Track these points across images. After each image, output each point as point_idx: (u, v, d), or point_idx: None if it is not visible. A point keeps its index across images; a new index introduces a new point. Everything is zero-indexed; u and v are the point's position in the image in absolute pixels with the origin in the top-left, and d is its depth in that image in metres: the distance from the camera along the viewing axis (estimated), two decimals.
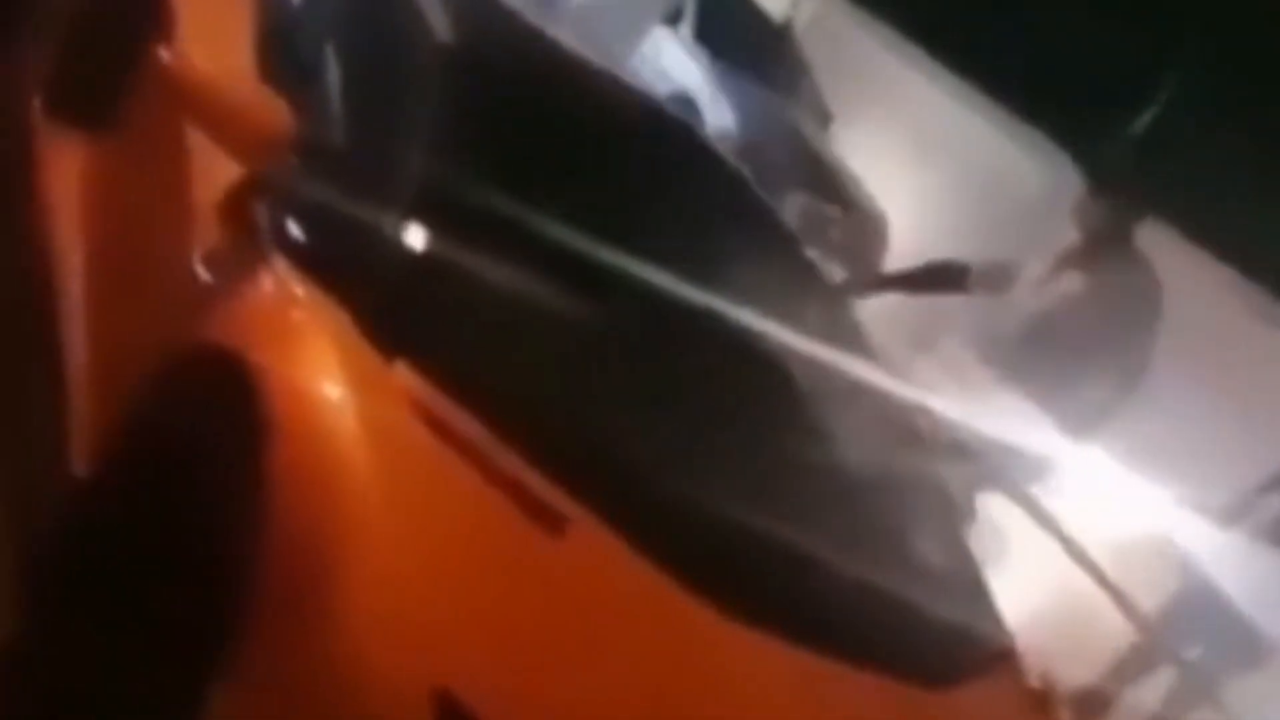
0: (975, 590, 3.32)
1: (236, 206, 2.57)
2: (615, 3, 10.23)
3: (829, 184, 9.92)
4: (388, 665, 1.95)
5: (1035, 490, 9.04)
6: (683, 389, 2.94)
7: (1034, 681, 3.21)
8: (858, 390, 3.50)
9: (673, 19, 10.15)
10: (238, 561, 2.04)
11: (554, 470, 2.30)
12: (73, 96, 3.18)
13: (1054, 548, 8.84)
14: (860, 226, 9.98)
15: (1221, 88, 10.25)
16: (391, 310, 2.40)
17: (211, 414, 2.22)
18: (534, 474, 2.27)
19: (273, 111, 2.56)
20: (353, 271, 2.45)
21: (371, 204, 2.64)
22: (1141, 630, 8.28)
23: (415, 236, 2.61)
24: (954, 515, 3.56)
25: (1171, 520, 7.80)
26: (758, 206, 3.94)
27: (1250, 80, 10.26)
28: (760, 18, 11.39)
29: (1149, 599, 8.29)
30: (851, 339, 3.72)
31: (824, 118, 10.81)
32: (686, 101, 9.31)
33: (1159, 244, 9.51)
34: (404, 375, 2.32)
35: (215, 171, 2.60)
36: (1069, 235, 9.97)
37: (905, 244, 10.26)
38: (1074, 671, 6.65)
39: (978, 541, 3.58)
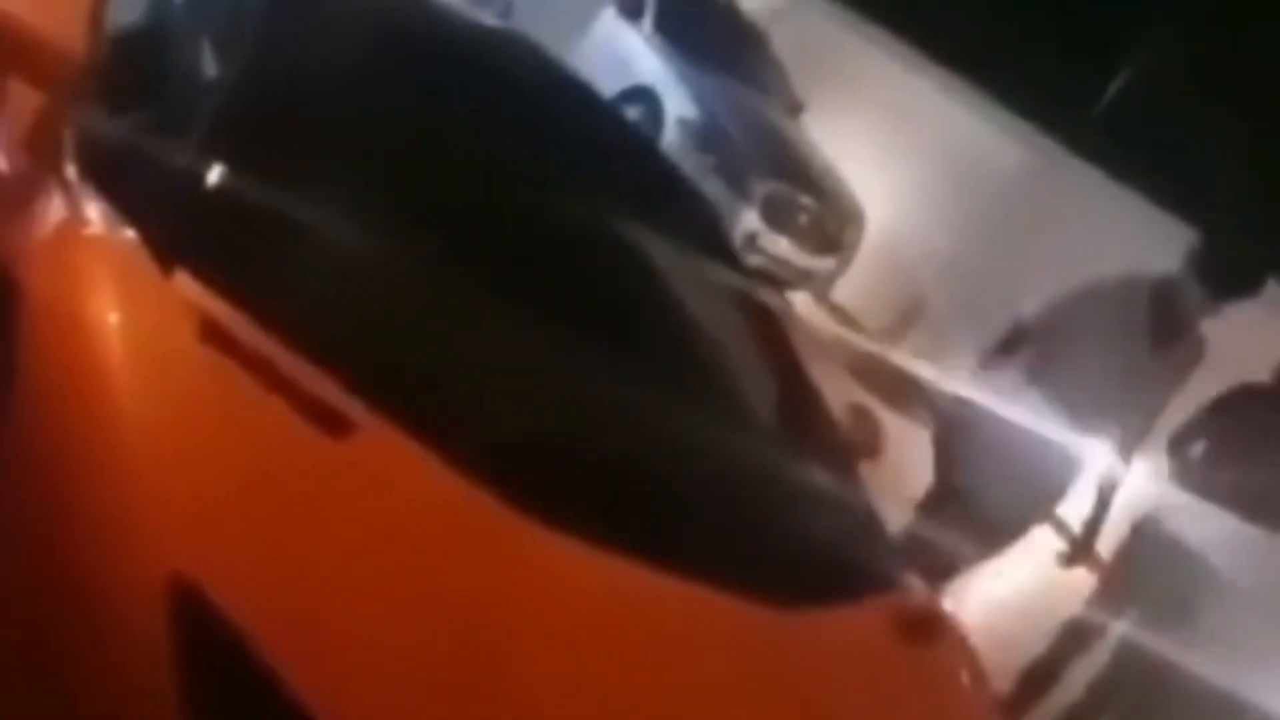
0: (849, 514, 3.25)
1: (39, 130, 2.62)
2: None
3: (800, 172, 9.84)
4: (124, 554, 1.95)
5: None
6: (491, 292, 2.90)
7: (917, 608, 3.13)
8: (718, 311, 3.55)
9: (634, 11, 10.07)
10: None
11: (343, 375, 2.30)
12: None
13: (1048, 537, 8.80)
14: (834, 213, 9.90)
15: (1194, 58, 10.22)
16: (175, 222, 2.42)
17: None
18: (320, 379, 2.27)
19: (69, 41, 2.59)
20: (139, 186, 2.49)
21: (164, 123, 2.69)
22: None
23: (204, 151, 2.62)
24: (831, 433, 3.47)
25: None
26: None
27: (1222, 53, 10.21)
28: (724, 8, 11.31)
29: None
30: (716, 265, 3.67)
31: (794, 107, 10.73)
32: (645, 92, 9.23)
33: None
34: (186, 286, 2.32)
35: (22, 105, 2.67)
36: (1043, 215, 9.98)
37: (881, 229, 10.22)
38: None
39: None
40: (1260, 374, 5.35)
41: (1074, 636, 5.72)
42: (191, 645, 1.90)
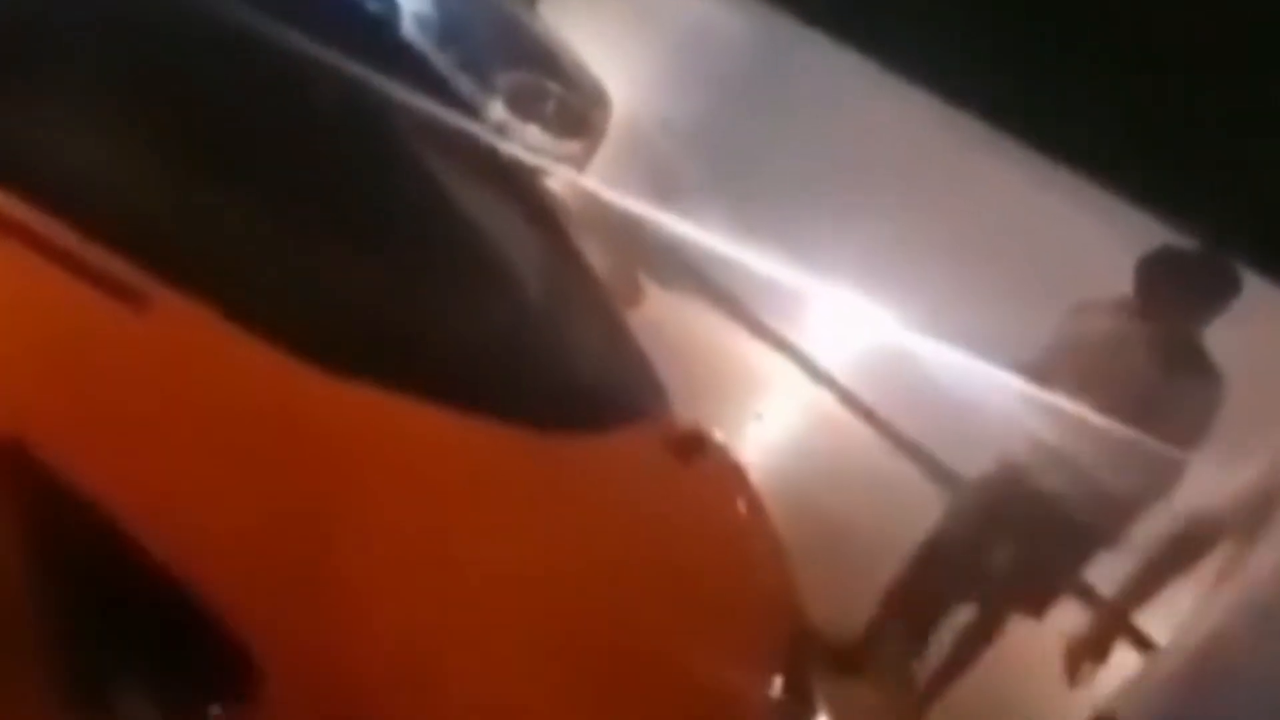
0: (613, 343, 3.55)
1: None
2: None
3: (542, 59, 9.97)
4: None
5: (775, 322, 9.46)
6: (249, 169, 3.07)
7: (682, 430, 3.43)
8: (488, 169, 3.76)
9: None
10: None
11: (134, 251, 2.44)
12: None
13: (801, 376, 9.26)
14: (579, 97, 10.07)
15: None
16: None
17: None
18: (109, 257, 2.40)
19: None
20: None
21: None
22: (897, 444, 8.73)
23: None
24: (593, 283, 3.76)
25: (901, 339, 8.18)
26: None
27: None
28: None
29: (907, 424, 8.74)
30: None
31: None
32: None
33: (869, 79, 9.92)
34: None
35: None
36: (778, 82, 10.32)
37: (626, 109, 10.44)
38: (845, 505, 7.00)
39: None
40: None
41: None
42: (24, 501, 2.02)
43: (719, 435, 3.75)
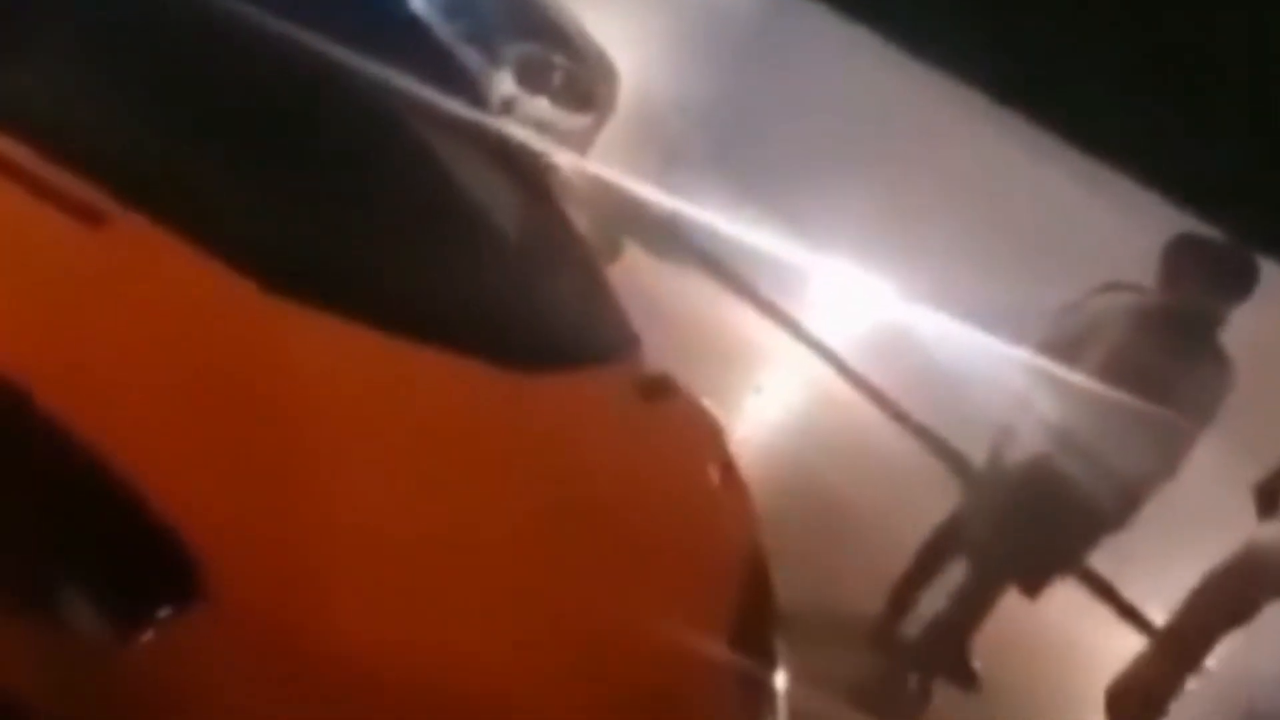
0: (586, 290, 3.63)
1: None
2: None
3: (550, 32, 9.98)
4: None
5: (776, 296, 9.49)
6: (232, 110, 3.16)
7: (649, 372, 3.51)
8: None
9: None
10: None
11: (97, 176, 2.54)
12: None
13: (807, 356, 9.29)
14: (587, 70, 10.08)
15: None
16: None
17: None
18: (70, 179, 2.51)
19: None
20: None
21: None
22: (898, 420, 8.76)
23: None
24: (571, 234, 3.84)
25: (903, 314, 8.21)
26: None
27: None
28: None
29: (907, 398, 8.77)
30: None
31: None
32: None
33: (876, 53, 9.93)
34: None
35: None
36: (783, 57, 10.33)
37: (635, 87, 10.46)
38: (845, 480, 7.05)
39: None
40: None
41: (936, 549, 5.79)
42: None
43: (717, 406, 3.81)
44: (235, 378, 2.42)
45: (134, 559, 2.13)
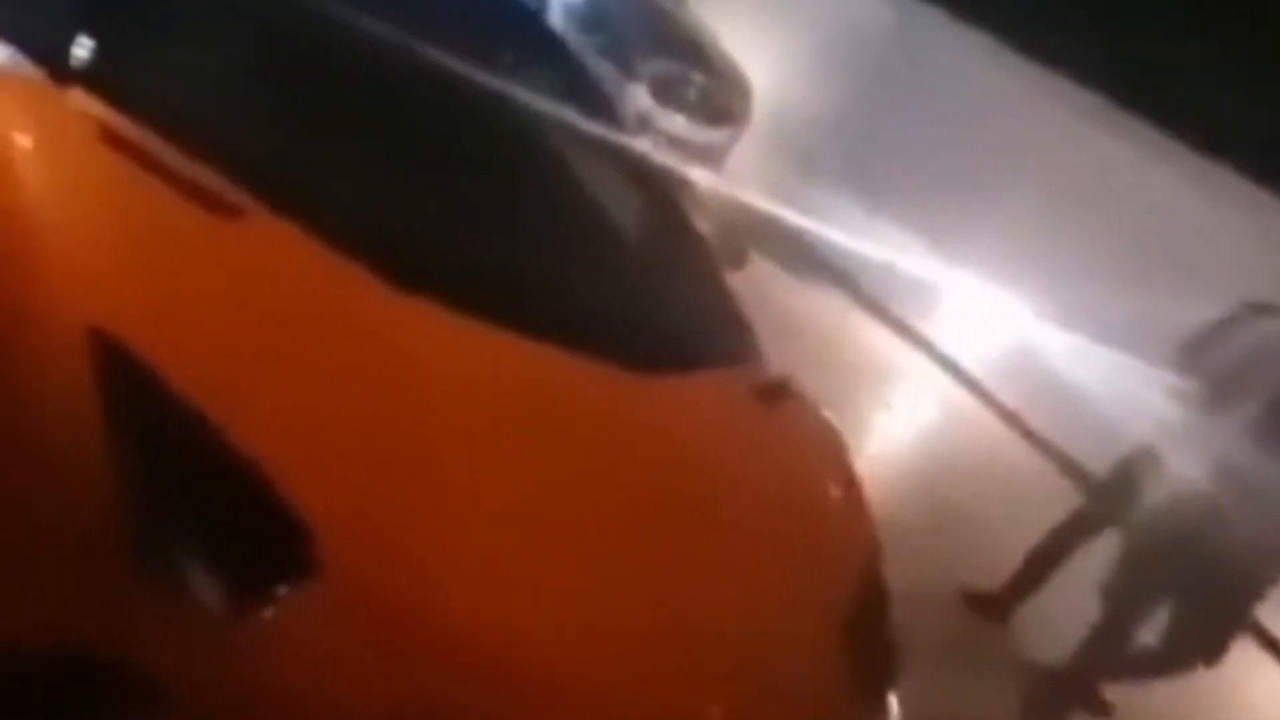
0: (707, 294, 3.65)
1: None
2: None
3: (687, 49, 10.05)
4: (47, 315, 2.26)
5: (912, 316, 9.43)
6: (366, 111, 3.26)
7: (768, 376, 3.51)
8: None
9: None
10: None
11: (229, 170, 2.65)
12: None
13: (938, 373, 9.22)
14: (722, 86, 10.14)
15: None
16: (65, 46, 2.74)
17: None
18: (208, 173, 2.61)
19: None
20: (28, 20, 2.80)
21: None
22: (1030, 440, 8.66)
23: None
24: (694, 239, 3.87)
25: (1037, 333, 8.11)
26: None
27: None
28: None
29: (1035, 414, 8.67)
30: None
31: None
32: None
33: (1010, 65, 9.85)
34: (82, 100, 2.66)
35: None
36: (921, 72, 10.29)
37: (769, 98, 10.49)
38: (974, 496, 6.99)
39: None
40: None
41: (1074, 525, 5.74)
42: (111, 384, 2.20)
43: (845, 422, 3.80)
44: (360, 368, 2.51)
45: (257, 537, 2.22)
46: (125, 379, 2.21)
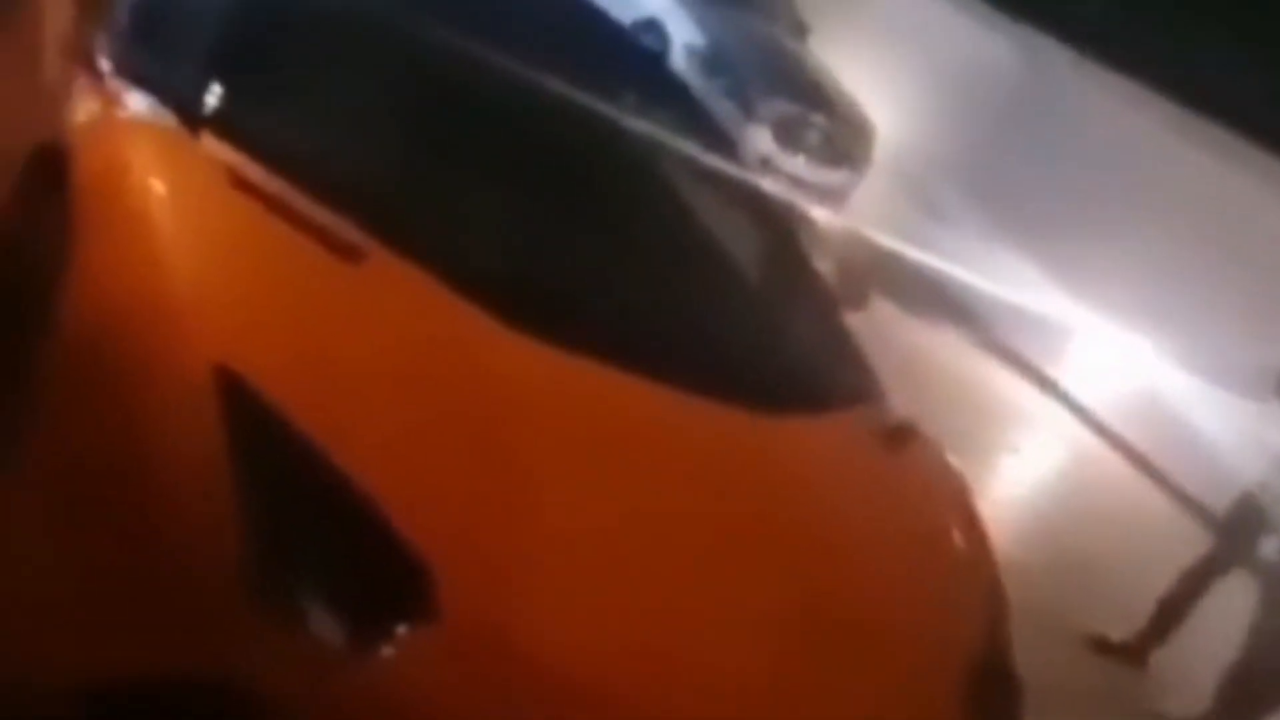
0: (829, 336, 3.61)
1: (76, 36, 2.99)
2: None
3: (809, 90, 10.07)
4: (176, 355, 2.31)
5: (1041, 359, 9.30)
6: (483, 152, 3.29)
7: (891, 419, 3.45)
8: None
9: None
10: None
11: (354, 214, 2.70)
12: None
13: (1065, 415, 9.07)
14: (845, 129, 10.13)
15: None
16: (198, 95, 2.82)
17: (38, 205, 2.62)
18: (332, 217, 2.67)
19: None
20: (164, 72, 2.89)
21: (182, 19, 3.11)
22: (1161, 484, 8.49)
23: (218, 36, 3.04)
24: (814, 279, 3.84)
25: (1167, 376, 7.97)
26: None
27: None
28: None
29: (1160, 457, 8.51)
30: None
31: (800, 29, 10.97)
32: (651, 24, 9.47)
33: (1138, 102, 9.71)
34: (213, 146, 2.73)
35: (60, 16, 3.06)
36: (1048, 113, 10.18)
37: (893, 142, 10.46)
38: (1100, 541, 6.87)
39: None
40: None
41: (1204, 568, 5.67)
42: (237, 421, 2.24)
43: (971, 465, 3.75)
44: (474, 407, 2.53)
45: (377, 576, 2.25)
46: (250, 417, 2.26)
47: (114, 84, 2.86)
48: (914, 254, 8.21)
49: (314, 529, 2.25)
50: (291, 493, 2.25)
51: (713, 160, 3.98)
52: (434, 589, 2.23)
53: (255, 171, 2.68)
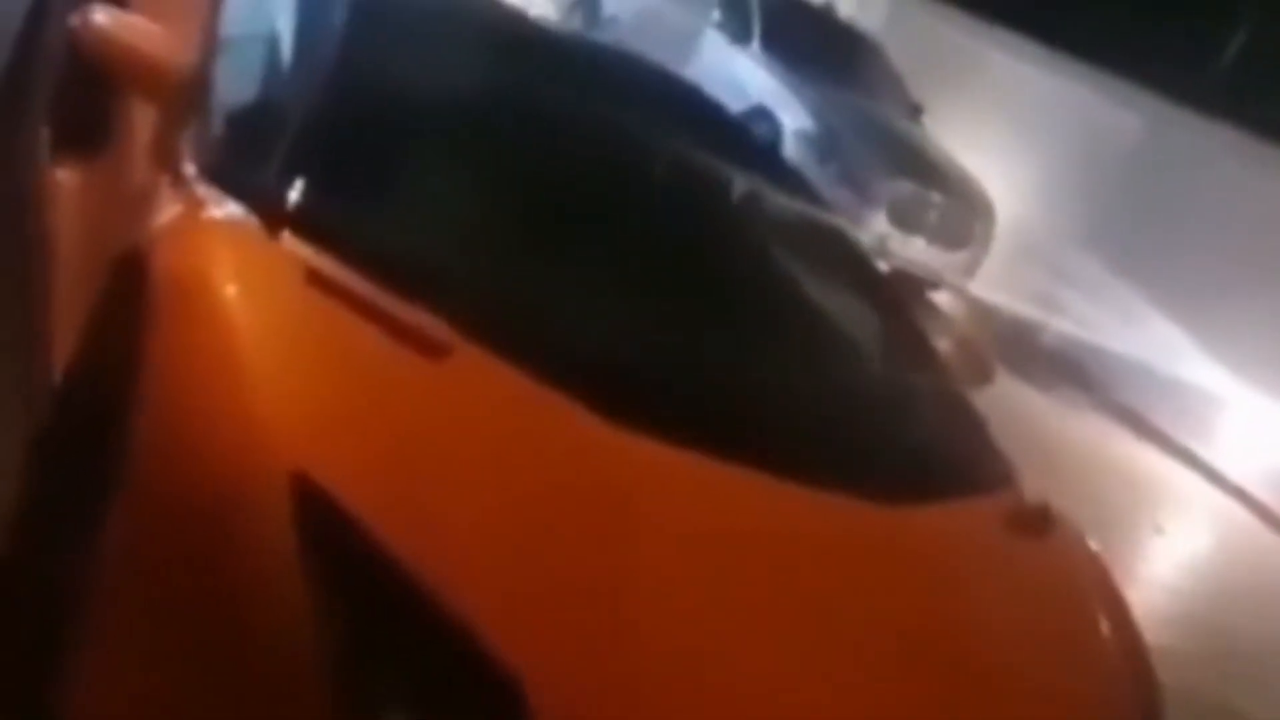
0: (953, 420, 3.43)
1: (160, 138, 2.99)
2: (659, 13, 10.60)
3: (924, 170, 9.96)
4: (252, 462, 2.21)
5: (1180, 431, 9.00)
6: (572, 241, 3.19)
7: (1027, 504, 3.25)
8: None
9: (741, 34, 10.34)
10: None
11: (437, 307, 2.58)
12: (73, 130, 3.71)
13: (1211, 491, 8.75)
14: (962, 207, 10.00)
15: None
16: (278, 195, 2.74)
17: (123, 310, 2.56)
18: (415, 312, 2.55)
19: (181, 60, 2.99)
20: (245, 172, 2.83)
21: (263, 117, 3.08)
22: None
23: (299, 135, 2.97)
24: (933, 360, 3.68)
25: None
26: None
27: None
28: (829, 22, 11.53)
29: None
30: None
31: (913, 110, 10.89)
32: (762, 112, 9.43)
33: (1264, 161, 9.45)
34: (291, 244, 2.64)
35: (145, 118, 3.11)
36: (1175, 178, 9.95)
37: (1016, 217, 10.29)
38: (1259, 624, 6.58)
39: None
40: None
41: None
42: (313, 532, 2.13)
43: (1114, 548, 3.56)
44: (571, 508, 2.40)
45: (466, 698, 2.12)
46: (328, 528, 2.16)
47: (198, 187, 2.82)
48: (1041, 327, 8.02)
49: (396, 642, 2.13)
50: (373, 609, 2.14)
51: (828, 246, 3.89)
52: (525, 708, 2.09)
53: (335, 269, 2.60)
